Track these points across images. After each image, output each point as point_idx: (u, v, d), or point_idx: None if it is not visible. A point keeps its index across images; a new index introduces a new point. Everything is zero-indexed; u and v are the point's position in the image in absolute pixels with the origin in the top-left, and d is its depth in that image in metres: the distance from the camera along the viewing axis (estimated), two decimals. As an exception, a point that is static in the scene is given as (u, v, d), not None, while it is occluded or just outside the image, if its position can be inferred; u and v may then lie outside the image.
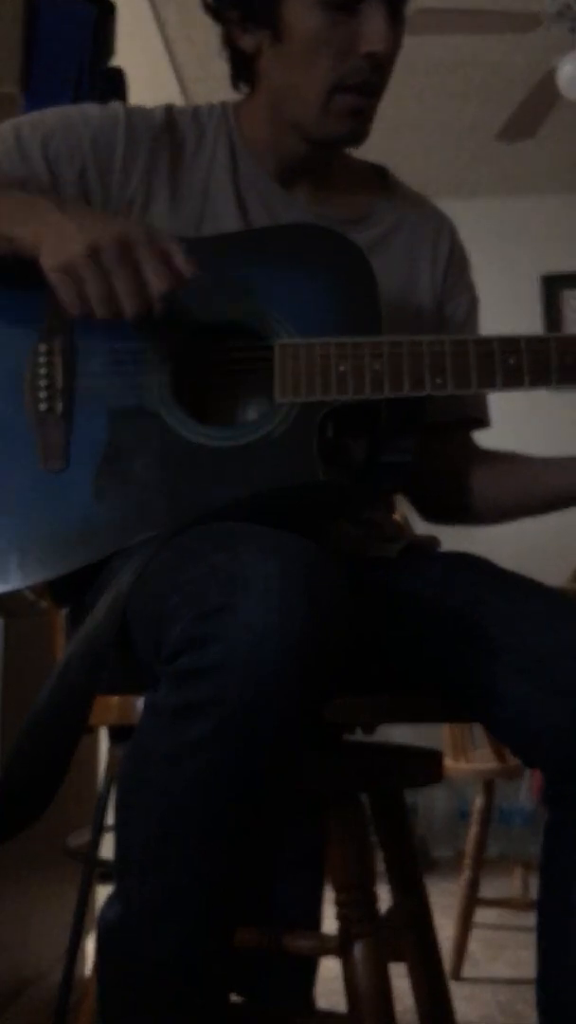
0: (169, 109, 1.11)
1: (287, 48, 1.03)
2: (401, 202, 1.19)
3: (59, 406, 0.99)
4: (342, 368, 0.96)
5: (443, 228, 1.21)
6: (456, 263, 1.20)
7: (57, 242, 0.90)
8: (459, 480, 1.16)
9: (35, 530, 0.97)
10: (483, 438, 1.22)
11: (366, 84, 1.03)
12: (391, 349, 0.96)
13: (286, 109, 1.07)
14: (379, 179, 1.20)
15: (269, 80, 1.07)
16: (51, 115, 1.08)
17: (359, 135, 1.07)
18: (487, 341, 0.96)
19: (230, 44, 1.09)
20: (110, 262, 0.89)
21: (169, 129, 1.09)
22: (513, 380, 0.96)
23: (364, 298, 0.99)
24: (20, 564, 0.96)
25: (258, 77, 1.09)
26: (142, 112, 1.09)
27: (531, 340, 0.96)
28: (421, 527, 1.25)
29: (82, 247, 0.89)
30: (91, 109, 1.09)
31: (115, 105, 1.10)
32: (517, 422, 2.38)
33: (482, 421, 1.20)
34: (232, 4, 1.06)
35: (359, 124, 1.06)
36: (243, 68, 1.10)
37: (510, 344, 0.96)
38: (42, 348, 1.00)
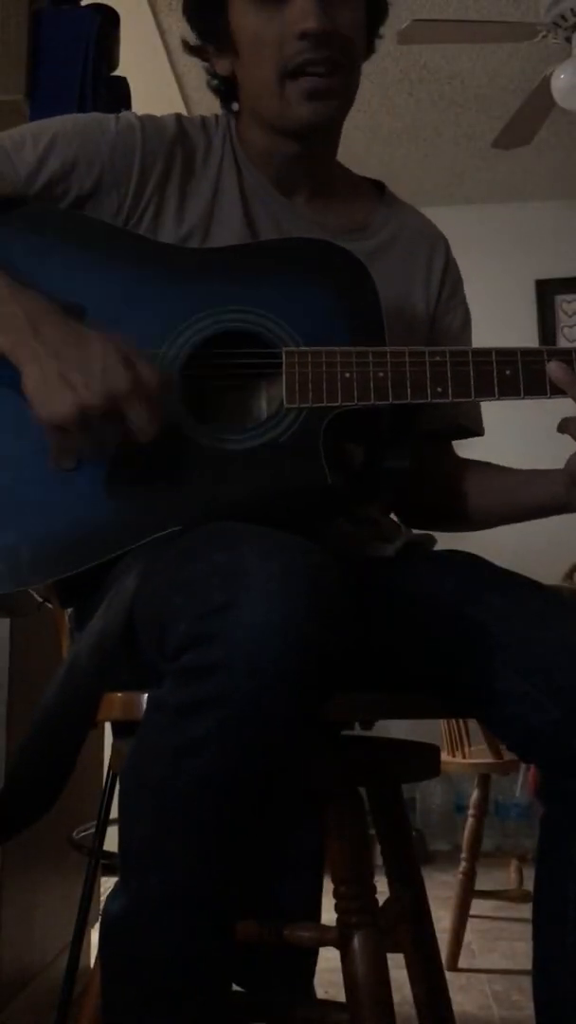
0: (179, 118, 1.13)
1: (241, 56, 1.09)
2: (398, 215, 1.21)
3: None
4: (347, 375, 0.98)
5: (438, 244, 1.23)
6: (450, 278, 1.22)
7: (42, 388, 0.89)
8: (449, 487, 1.17)
9: (45, 530, 0.97)
10: (475, 445, 1.24)
11: (310, 63, 1.04)
12: (394, 358, 0.99)
13: (257, 112, 1.11)
14: (376, 192, 1.22)
15: (242, 92, 1.13)
16: (68, 122, 1.09)
17: (323, 116, 1.08)
18: (485, 352, 0.99)
19: (214, 75, 1.15)
20: (97, 421, 0.88)
21: (181, 139, 1.11)
22: (509, 390, 0.99)
23: (367, 310, 1.01)
24: (30, 563, 0.96)
25: (238, 94, 1.14)
26: (155, 121, 1.11)
27: (527, 352, 0.99)
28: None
29: (70, 408, 0.87)
30: (106, 119, 1.10)
31: (129, 115, 1.11)
32: (508, 430, 2.39)
33: (474, 431, 1.22)
34: (203, 38, 1.13)
35: (320, 105, 1.07)
36: (228, 93, 1.16)
37: (507, 356, 0.99)
38: None
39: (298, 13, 1.03)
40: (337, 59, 1.06)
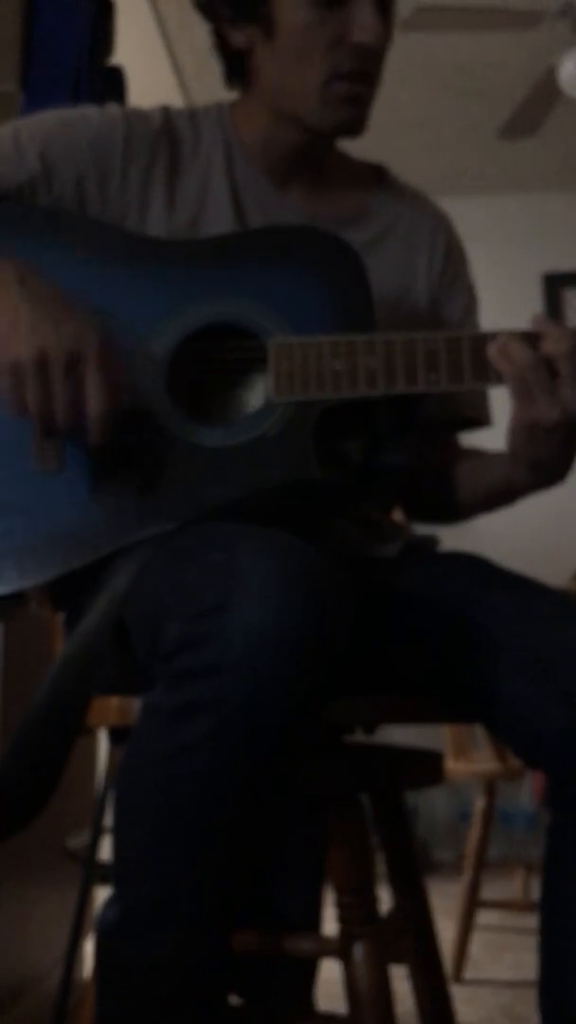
0: (166, 111, 1.11)
1: (278, 43, 1.05)
2: (398, 200, 1.18)
3: None
4: (337, 366, 0.95)
5: (440, 226, 1.20)
6: (453, 261, 1.19)
7: (8, 335, 0.89)
8: (447, 478, 1.15)
9: (32, 532, 0.96)
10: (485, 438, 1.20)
11: (359, 72, 1.04)
12: (385, 346, 0.96)
13: (284, 102, 1.07)
14: (376, 177, 1.20)
15: (264, 75, 1.08)
16: (50, 118, 1.08)
17: (357, 122, 1.08)
18: (480, 337, 0.96)
19: (222, 42, 1.10)
20: (54, 375, 0.88)
21: (167, 132, 1.09)
22: None
23: (358, 298, 0.99)
24: (16, 566, 0.95)
25: (252, 73, 1.10)
26: (140, 115, 1.10)
27: (528, 335, 0.95)
28: (421, 527, 1.24)
29: (30, 353, 0.88)
30: (90, 112, 1.09)
31: (113, 108, 1.10)
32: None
33: (480, 421, 1.18)
34: (223, 1, 1.07)
35: (357, 111, 1.07)
36: (236, 65, 1.11)
37: None
38: None
39: (361, 26, 1.02)
40: (378, 74, 1.07)
